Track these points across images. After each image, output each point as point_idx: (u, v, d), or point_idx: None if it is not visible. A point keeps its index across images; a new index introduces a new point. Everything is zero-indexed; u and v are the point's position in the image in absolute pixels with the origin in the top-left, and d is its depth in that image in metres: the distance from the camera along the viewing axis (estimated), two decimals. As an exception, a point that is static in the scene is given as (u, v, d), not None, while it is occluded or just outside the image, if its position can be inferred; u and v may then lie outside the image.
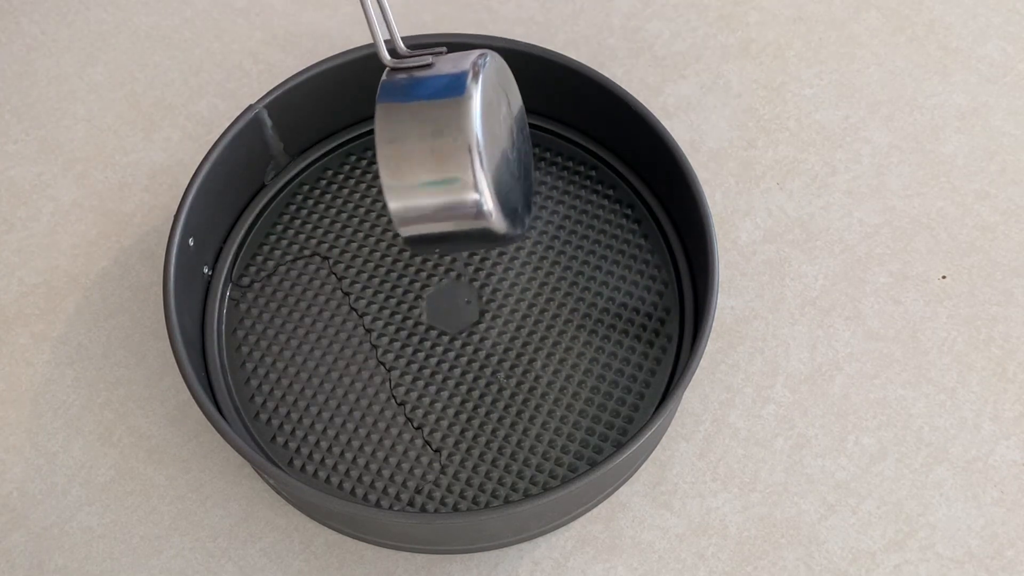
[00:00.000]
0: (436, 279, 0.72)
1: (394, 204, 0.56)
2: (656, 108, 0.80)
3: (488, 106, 0.57)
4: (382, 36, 0.58)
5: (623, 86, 0.71)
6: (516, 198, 0.61)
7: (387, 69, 0.58)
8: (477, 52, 0.58)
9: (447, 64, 0.57)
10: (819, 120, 0.80)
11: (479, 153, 0.55)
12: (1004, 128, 0.80)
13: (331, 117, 0.76)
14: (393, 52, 0.60)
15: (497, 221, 0.57)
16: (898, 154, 0.79)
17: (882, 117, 0.80)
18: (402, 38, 0.73)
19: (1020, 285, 0.74)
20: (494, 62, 0.59)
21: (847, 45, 0.83)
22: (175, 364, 0.67)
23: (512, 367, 0.69)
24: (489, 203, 0.56)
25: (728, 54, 0.83)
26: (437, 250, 0.62)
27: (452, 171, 0.55)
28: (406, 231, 0.58)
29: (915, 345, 0.72)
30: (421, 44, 0.60)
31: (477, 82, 0.56)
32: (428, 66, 0.57)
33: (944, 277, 0.74)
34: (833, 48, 0.83)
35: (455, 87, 0.55)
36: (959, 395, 0.70)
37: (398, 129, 0.56)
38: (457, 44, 0.73)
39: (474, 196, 0.56)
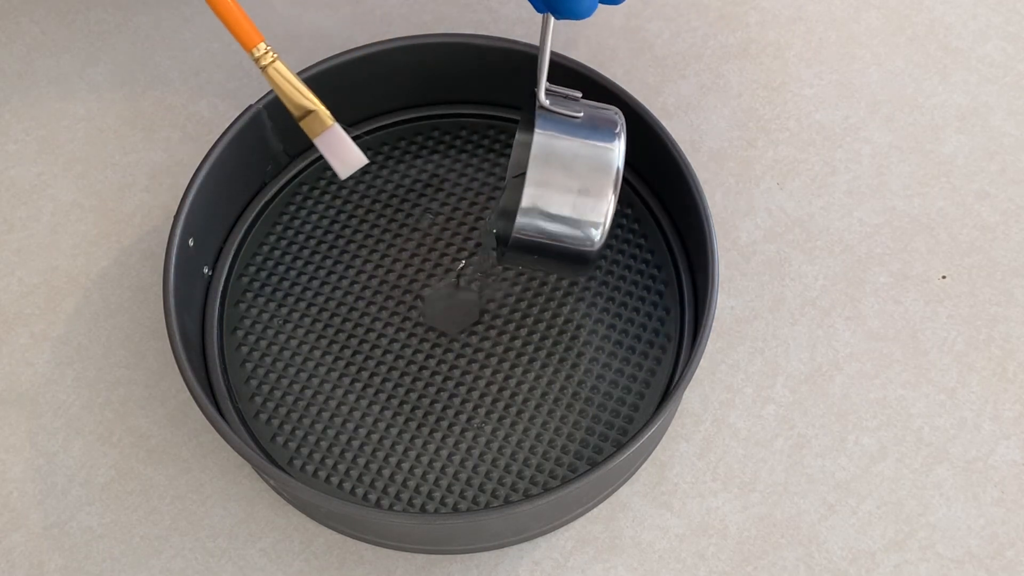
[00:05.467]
0: (436, 279, 0.72)
1: (523, 220, 0.62)
2: (656, 108, 0.80)
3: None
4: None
5: (623, 86, 0.71)
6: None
7: (539, 106, 0.63)
8: (611, 112, 0.64)
9: (595, 116, 0.64)
10: (819, 120, 0.80)
11: (612, 204, 0.62)
12: (1004, 128, 0.80)
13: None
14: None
15: (595, 258, 0.63)
16: (898, 154, 0.79)
17: (882, 117, 0.80)
18: (400, 38, 0.73)
19: (1020, 285, 0.74)
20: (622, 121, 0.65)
21: (847, 45, 0.83)
22: (175, 364, 0.67)
23: (512, 367, 0.69)
24: (600, 245, 0.63)
25: (728, 54, 0.83)
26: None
27: (587, 207, 0.62)
28: (518, 237, 0.63)
29: (915, 345, 0.72)
30: (559, 93, 0.66)
31: (620, 147, 0.63)
32: (578, 117, 0.63)
33: (944, 277, 0.74)
34: (833, 48, 0.83)
35: (607, 144, 0.63)
36: (959, 395, 0.70)
37: (552, 162, 0.62)
38: (458, 44, 0.73)
39: (597, 235, 0.62)
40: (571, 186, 0.62)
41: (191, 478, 0.68)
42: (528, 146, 0.62)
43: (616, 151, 0.62)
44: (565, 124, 0.63)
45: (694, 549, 0.66)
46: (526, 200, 0.61)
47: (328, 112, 0.61)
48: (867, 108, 0.80)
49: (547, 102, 0.63)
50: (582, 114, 0.63)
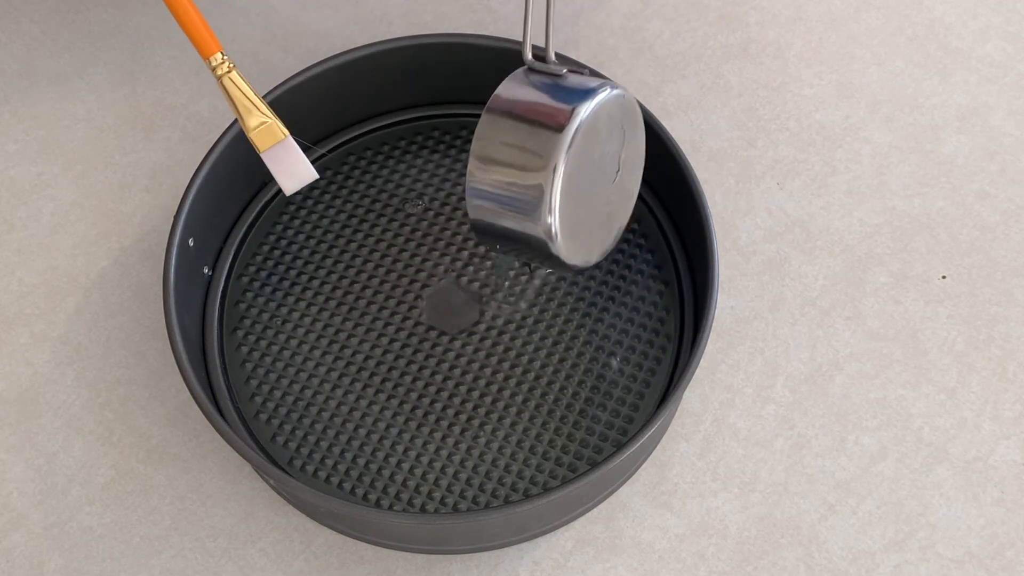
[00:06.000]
0: (436, 279, 0.72)
1: (472, 182, 0.58)
2: (656, 108, 0.80)
3: (591, 137, 0.57)
4: (543, 40, 0.60)
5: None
6: (591, 230, 0.61)
7: (525, 67, 0.59)
8: (606, 84, 0.59)
9: (576, 81, 0.58)
10: (819, 120, 0.80)
11: (559, 177, 0.56)
12: (1004, 128, 0.80)
13: (331, 117, 0.76)
14: (538, 59, 0.61)
15: (560, 246, 0.58)
16: (898, 154, 0.79)
17: (882, 117, 0.80)
18: (399, 38, 0.73)
19: (1020, 285, 0.74)
20: (617, 98, 0.59)
21: (847, 45, 0.83)
22: (175, 364, 0.67)
23: (512, 367, 0.69)
24: (555, 226, 0.57)
25: (728, 54, 0.83)
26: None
27: (530, 180, 0.56)
28: (473, 212, 0.59)
29: (915, 345, 0.72)
30: (568, 60, 0.62)
31: (587, 110, 0.56)
32: (560, 76, 0.59)
33: (944, 277, 0.74)
34: (833, 48, 0.83)
35: (566, 106, 0.56)
36: (959, 395, 0.70)
37: (506, 119, 0.57)
38: (458, 44, 0.73)
39: (545, 216, 0.57)
40: (514, 147, 0.56)
41: (191, 478, 0.68)
42: None
43: (577, 115, 0.56)
44: (535, 84, 0.57)
45: (694, 549, 0.66)
46: (470, 165, 0.57)
47: (282, 124, 0.61)
48: (867, 108, 0.80)
49: (530, 58, 0.59)
50: (564, 70, 0.58)
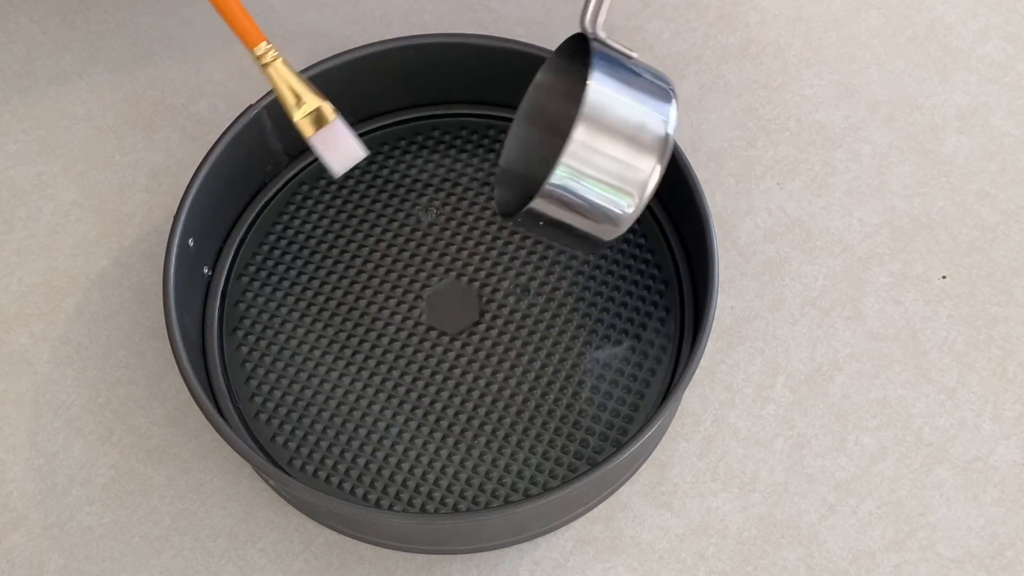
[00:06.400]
0: (436, 279, 0.72)
1: (555, 183, 0.57)
2: (656, 108, 0.80)
3: None
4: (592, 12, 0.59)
5: (623, 86, 0.71)
6: None
7: (592, 40, 0.58)
8: (665, 76, 0.60)
9: (645, 71, 0.58)
10: (819, 120, 0.80)
11: (654, 182, 0.58)
12: (1004, 128, 0.80)
13: (331, 117, 0.76)
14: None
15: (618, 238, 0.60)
16: (898, 154, 0.79)
17: (882, 117, 0.80)
18: (400, 38, 0.73)
19: (1020, 285, 0.74)
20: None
21: (847, 45, 0.83)
22: (175, 364, 0.67)
23: (512, 367, 0.69)
24: (631, 221, 0.58)
25: (728, 54, 0.83)
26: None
27: (630, 185, 0.58)
28: (540, 206, 0.58)
29: (915, 345, 0.72)
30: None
31: (675, 113, 0.58)
32: (631, 59, 0.58)
33: (944, 277, 0.74)
34: (833, 48, 0.83)
35: (659, 111, 0.57)
36: (959, 395, 0.70)
37: (607, 116, 0.56)
38: (458, 44, 0.73)
39: (629, 211, 0.58)
40: (617, 146, 0.56)
41: (191, 478, 0.68)
42: (551, 90, 0.57)
43: (670, 120, 0.58)
44: (620, 74, 0.56)
45: (694, 549, 0.66)
46: (565, 163, 0.56)
47: (331, 106, 0.61)
48: (867, 108, 0.80)
49: (601, 33, 0.57)
50: (636, 54, 0.57)
